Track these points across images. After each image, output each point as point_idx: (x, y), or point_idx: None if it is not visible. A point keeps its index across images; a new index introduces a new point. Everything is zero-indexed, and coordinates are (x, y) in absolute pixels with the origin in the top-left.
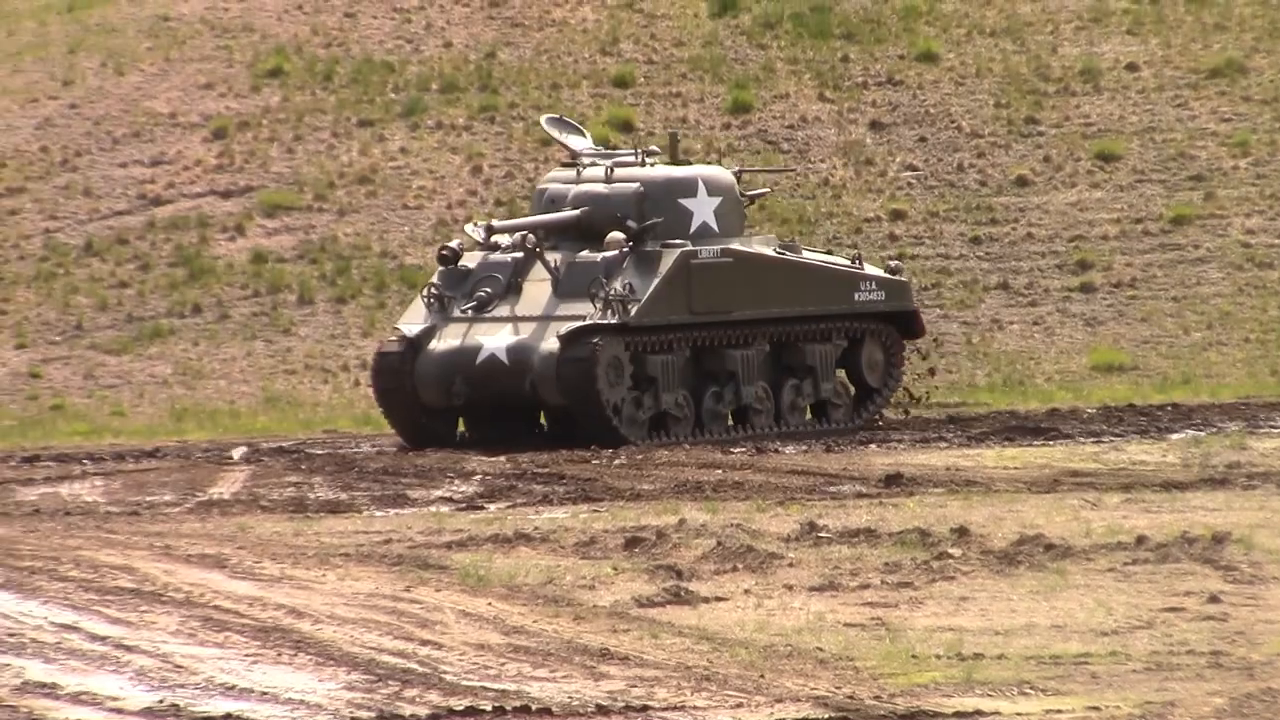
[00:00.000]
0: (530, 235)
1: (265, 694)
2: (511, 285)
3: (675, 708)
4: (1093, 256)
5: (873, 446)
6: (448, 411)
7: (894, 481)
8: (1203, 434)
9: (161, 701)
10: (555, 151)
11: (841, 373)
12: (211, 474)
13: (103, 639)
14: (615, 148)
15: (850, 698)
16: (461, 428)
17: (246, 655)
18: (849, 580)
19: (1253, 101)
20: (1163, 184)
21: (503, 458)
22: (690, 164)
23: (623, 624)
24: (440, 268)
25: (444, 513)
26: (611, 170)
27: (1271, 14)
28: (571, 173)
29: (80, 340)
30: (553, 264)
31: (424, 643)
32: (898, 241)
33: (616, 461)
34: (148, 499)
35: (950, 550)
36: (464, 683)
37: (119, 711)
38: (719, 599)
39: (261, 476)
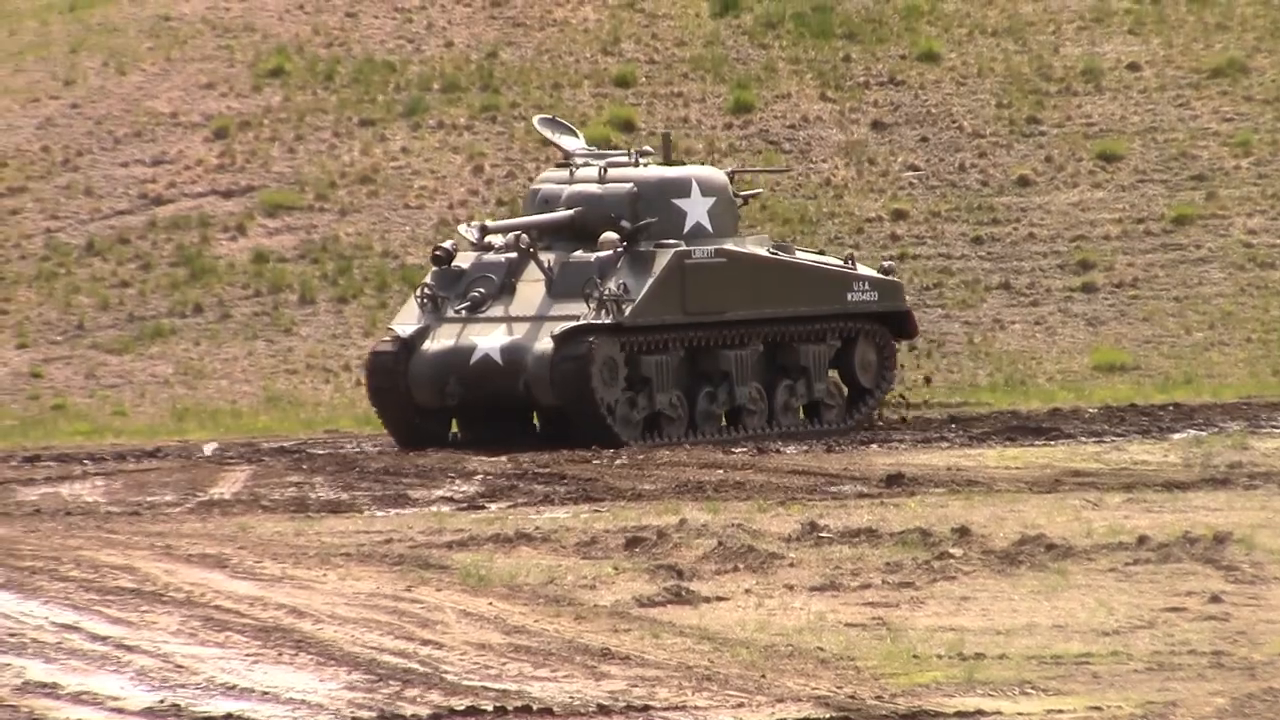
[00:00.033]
0: (524, 235)
1: (266, 694)
2: (505, 285)
3: (676, 707)
4: (1094, 256)
5: (874, 446)
6: (441, 412)
7: (895, 481)
8: (1204, 434)
9: (162, 701)
10: (555, 151)
11: (834, 373)
12: (212, 474)
13: (103, 639)
14: (616, 147)
15: (851, 697)
16: (454, 428)
17: (247, 655)
18: (850, 580)
19: (1254, 101)
20: (1164, 184)
21: (504, 457)
22: (684, 164)
23: (624, 624)
24: (434, 268)
25: (445, 512)
26: (605, 170)
27: (1273, 14)
28: (565, 173)
29: (81, 340)
30: (546, 264)
31: (425, 642)
32: (899, 241)
33: (618, 461)
34: (149, 499)
35: (951, 550)
36: (465, 683)
37: (120, 711)
38: (720, 599)
39: (263, 476)
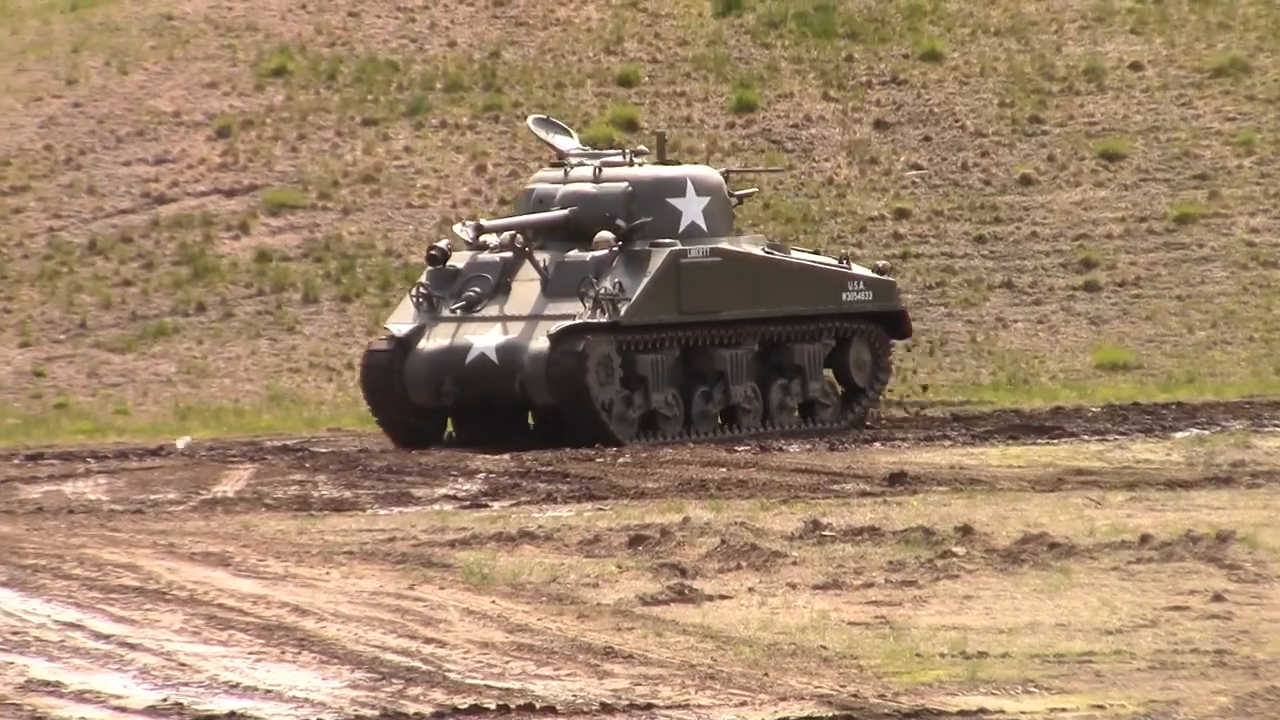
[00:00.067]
0: (519, 235)
1: (269, 692)
2: (500, 285)
3: (679, 706)
4: (1097, 255)
5: (877, 445)
6: (437, 411)
7: (898, 480)
8: (1207, 432)
9: (165, 700)
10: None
11: (829, 372)
12: (215, 472)
13: (106, 637)
14: (618, 146)
15: (854, 696)
16: (449, 428)
17: (250, 653)
18: (853, 579)
19: (1257, 100)
20: (1167, 183)
21: (506, 456)
22: (679, 164)
23: (627, 622)
24: (429, 267)
25: (448, 511)
26: (600, 170)
27: (1275, 13)
28: (559, 173)
29: (84, 339)
30: (541, 264)
31: (428, 641)
32: (902, 240)
33: (621, 460)
34: (152, 497)
35: (954, 549)
36: (468, 681)
37: (122, 710)
38: (723, 597)
39: (266, 475)
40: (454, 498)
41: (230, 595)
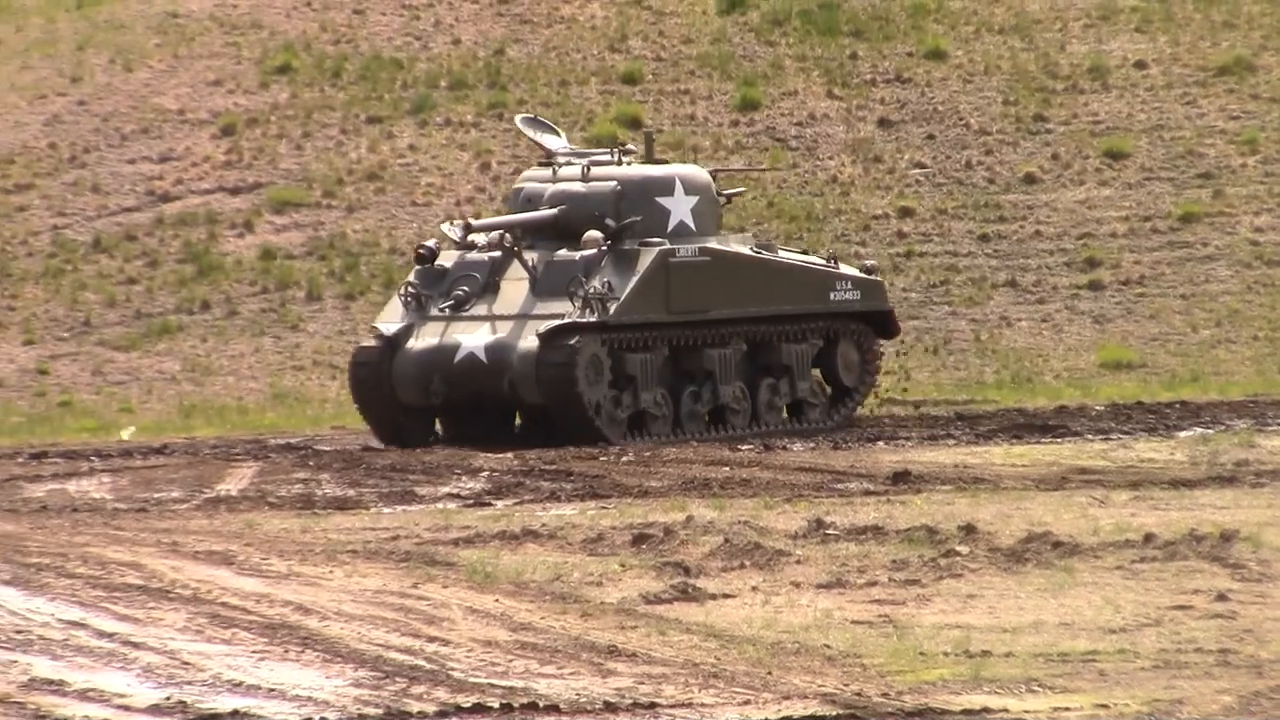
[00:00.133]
0: (507, 234)
1: (272, 691)
2: (489, 284)
3: (683, 705)
4: (1101, 254)
5: (880, 444)
6: (425, 410)
7: (902, 479)
8: (1211, 432)
9: (168, 698)
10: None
11: (817, 372)
12: (219, 471)
13: (110, 636)
14: (624, 144)
15: (858, 695)
16: (438, 427)
17: (254, 652)
18: (856, 577)
19: (1261, 99)
20: (1171, 182)
21: (510, 454)
22: (667, 163)
23: (630, 621)
24: (417, 266)
25: (451, 509)
26: (588, 169)
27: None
28: (548, 172)
29: (88, 337)
30: (530, 263)
31: (431, 639)
32: (906, 239)
33: (624, 459)
34: (155, 495)
35: (958, 548)
36: (471, 679)
37: (126, 708)
38: (727, 596)
39: (269, 473)
40: (457, 496)
41: (233, 594)
